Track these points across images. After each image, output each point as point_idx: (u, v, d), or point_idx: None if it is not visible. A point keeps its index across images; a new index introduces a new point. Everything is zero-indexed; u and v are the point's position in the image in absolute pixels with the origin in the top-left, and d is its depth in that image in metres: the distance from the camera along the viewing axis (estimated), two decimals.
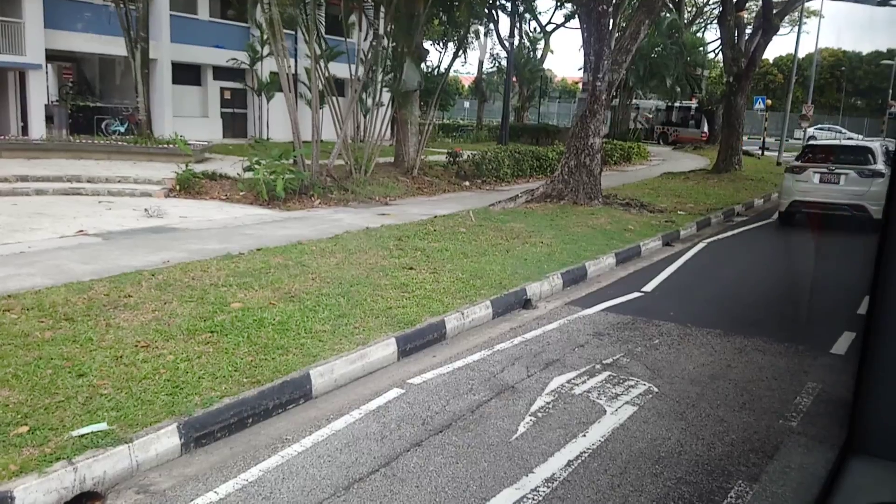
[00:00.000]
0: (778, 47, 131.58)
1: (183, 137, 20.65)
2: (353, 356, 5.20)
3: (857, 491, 1.30)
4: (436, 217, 12.21)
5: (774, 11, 22.42)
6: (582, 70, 13.39)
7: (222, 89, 29.15)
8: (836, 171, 12.55)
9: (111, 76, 28.09)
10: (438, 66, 18.91)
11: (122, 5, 19.24)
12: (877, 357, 1.34)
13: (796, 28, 33.48)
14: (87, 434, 3.80)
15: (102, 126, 24.92)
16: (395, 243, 9.44)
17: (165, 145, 18.41)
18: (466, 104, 62.12)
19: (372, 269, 7.86)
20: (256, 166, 13.68)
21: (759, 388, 5.33)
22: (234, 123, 29.64)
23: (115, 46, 22.54)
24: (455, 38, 17.96)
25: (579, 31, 13.71)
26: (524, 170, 20.46)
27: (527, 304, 7.52)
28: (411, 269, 7.95)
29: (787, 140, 34.32)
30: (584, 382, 5.31)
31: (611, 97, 13.21)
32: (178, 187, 14.06)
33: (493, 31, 39.59)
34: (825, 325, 7.19)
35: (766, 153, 34.33)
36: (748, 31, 26.85)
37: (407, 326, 5.95)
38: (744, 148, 34.91)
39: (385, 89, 16.97)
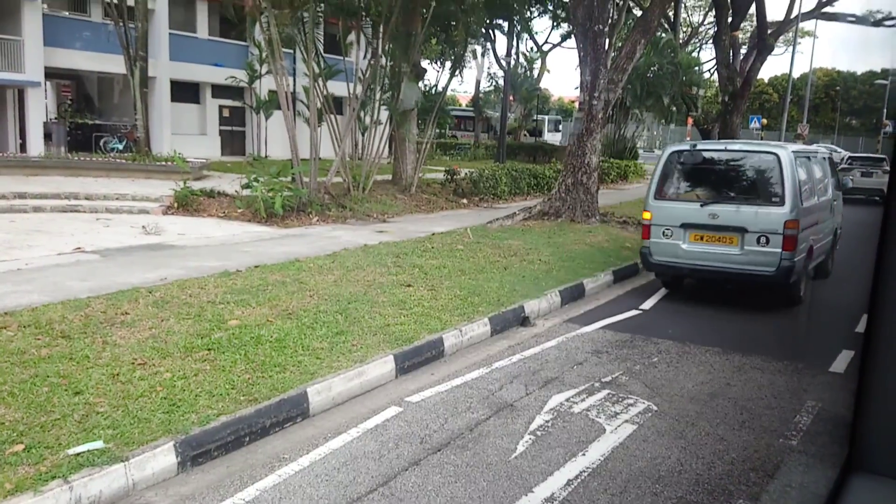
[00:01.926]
0: (773, 67, 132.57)
1: (182, 155, 20.71)
2: (350, 374, 5.17)
3: None
4: (433, 234, 12.23)
5: (769, 32, 22.62)
6: (578, 89, 13.46)
7: (221, 107, 29.26)
8: (870, 170, 22.79)
9: (110, 94, 28.20)
10: (436, 85, 18.99)
11: (120, 24, 19.33)
12: (876, 374, 1.34)
13: (791, 48, 33.79)
14: (83, 452, 3.77)
15: (101, 143, 24.99)
16: (393, 260, 9.44)
17: (163, 163, 18.47)
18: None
19: (370, 286, 7.85)
20: (255, 183, 13.70)
21: (759, 406, 5.31)
22: (233, 141, 29.73)
23: (113, 64, 22.66)
24: (451, 57, 18.02)
25: (576, 50, 13.80)
26: (521, 188, 20.53)
27: (525, 321, 7.51)
28: (409, 286, 7.95)
29: None
30: (583, 401, 5.29)
31: (607, 116, 13.26)
32: (175, 204, 14.07)
33: (490, 51, 39.97)
34: (824, 343, 7.19)
35: None
36: (744, 50, 27.06)
37: (405, 344, 5.93)
38: None
39: (383, 107, 17.05)
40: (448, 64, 38.27)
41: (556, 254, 10.53)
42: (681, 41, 40.44)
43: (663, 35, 33.48)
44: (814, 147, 10.50)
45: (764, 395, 5.57)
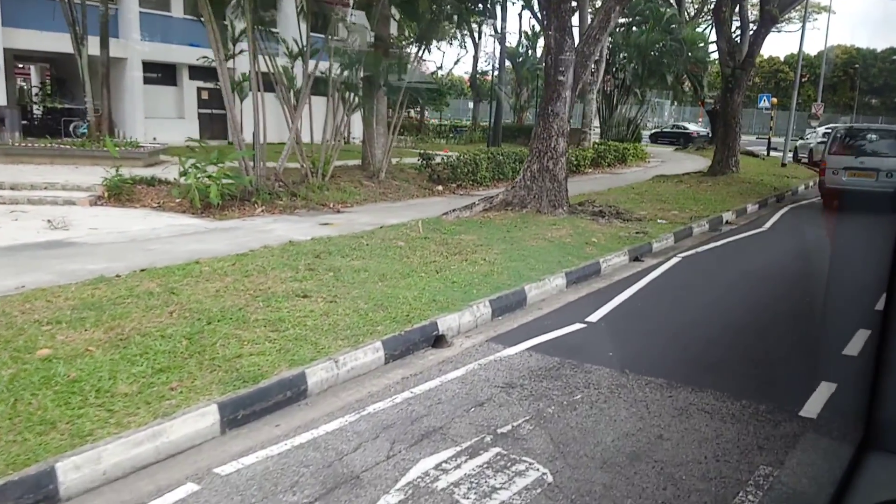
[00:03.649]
0: (790, 45, 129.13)
1: (154, 138, 19.48)
2: (140, 435, 3.87)
3: (873, 486, 1.31)
4: (381, 227, 10.91)
5: (775, 3, 20.88)
6: (546, 65, 12.00)
7: (199, 89, 27.93)
8: None
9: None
10: (406, 63, 17.41)
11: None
12: (893, 353, 1.40)
13: (807, 23, 31.92)
14: None
15: (71, 128, 23.85)
16: (311, 261, 8.13)
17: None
18: (471, 104, 60.58)
19: (256, 296, 6.55)
20: (191, 170, 12.43)
21: (691, 476, 3.96)
22: (213, 124, 28.40)
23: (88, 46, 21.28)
24: (415, 32, 16.58)
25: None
26: (505, 173, 19.11)
27: (438, 341, 6.19)
28: (305, 297, 6.63)
29: (795, 139, 32.78)
30: (457, 468, 3.97)
31: (576, 92, 11.80)
32: (106, 194, 12.84)
33: (492, 28, 38.19)
34: (801, 373, 5.80)
35: (772, 153, 32.78)
36: (753, 27, 25.28)
37: (248, 384, 4.62)
38: (748, 148, 33.47)
39: (343, 86, 15.67)
40: (442, 43, 36.55)
41: (507, 251, 9.17)
42: (688, 17, 38.53)
43: (667, 10, 31.75)
44: None
45: (704, 455, 4.21)
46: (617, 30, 32.04)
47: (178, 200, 12.69)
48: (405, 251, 9.02)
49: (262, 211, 12.61)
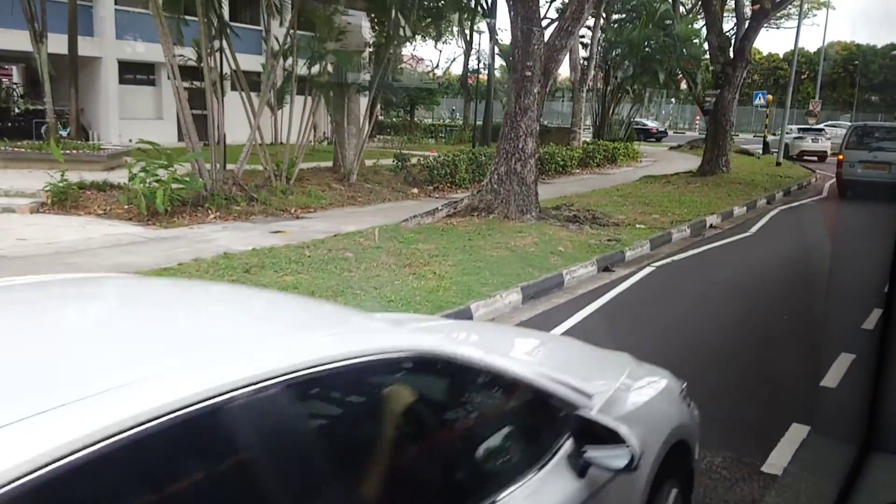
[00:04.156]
0: (789, 42, 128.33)
1: (131, 140, 18.70)
2: None
3: (877, 487, 1.30)
4: (336, 235, 10.14)
5: None
6: (513, 59, 11.23)
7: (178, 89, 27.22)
8: (816, 137, 31.07)
9: (59, 77, 26.24)
10: (385, 61, 16.57)
11: None
12: (894, 356, 1.39)
13: (805, 20, 31.10)
14: None
15: (42, 130, 23.13)
16: (237, 278, 7.35)
17: (72, 151, 16.45)
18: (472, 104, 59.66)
19: None
20: (141, 174, 11.69)
21: None
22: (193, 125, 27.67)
23: (57, 45, 20.53)
24: (380, 24, 15.83)
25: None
26: (487, 174, 18.34)
27: None
28: None
29: (761, 135, 32.26)
30: None
31: (547, 88, 11.02)
32: (50, 201, 12.08)
33: (488, 25, 37.37)
34: (770, 412, 5.00)
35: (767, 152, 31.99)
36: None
37: None
38: (744, 146, 32.67)
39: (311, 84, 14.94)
40: (439, 41, 35.69)
41: (463, 262, 8.38)
42: (684, 12, 37.67)
43: (661, 5, 30.91)
44: None
45: None
46: (611, 25, 31.29)
47: (125, 207, 11.94)
48: (350, 263, 8.23)
49: (216, 217, 11.86)
